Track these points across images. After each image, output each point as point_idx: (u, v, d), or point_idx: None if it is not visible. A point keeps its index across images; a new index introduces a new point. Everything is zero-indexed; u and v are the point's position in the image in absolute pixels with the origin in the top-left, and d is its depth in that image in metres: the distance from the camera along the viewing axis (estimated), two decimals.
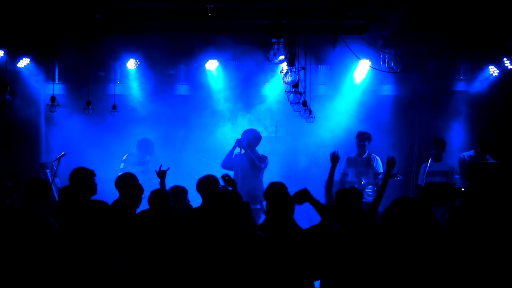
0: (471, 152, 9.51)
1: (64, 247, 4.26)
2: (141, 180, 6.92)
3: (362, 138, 9.55)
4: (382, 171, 9.41)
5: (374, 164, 9.46)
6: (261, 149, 9.75)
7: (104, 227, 4.18)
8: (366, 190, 9.27)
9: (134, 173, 7.20)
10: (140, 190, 6.20)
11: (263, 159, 9.32)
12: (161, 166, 7.09)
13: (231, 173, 9.32)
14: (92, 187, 6.18)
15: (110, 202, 6.29)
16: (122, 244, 5.15)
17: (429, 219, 4.98)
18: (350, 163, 9.58)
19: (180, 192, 6.51)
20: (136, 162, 10.39)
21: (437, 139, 9.65)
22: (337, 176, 9.49)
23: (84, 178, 6.15)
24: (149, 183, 9.20)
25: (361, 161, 9.49)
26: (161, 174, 6.99)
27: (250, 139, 9.33)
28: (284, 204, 5.43)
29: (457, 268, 4.84)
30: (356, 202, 5.39)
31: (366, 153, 9.55)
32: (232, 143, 9.41)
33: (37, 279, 4.25)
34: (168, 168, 7.11)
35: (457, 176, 9.44)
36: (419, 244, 4.83)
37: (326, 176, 9.38)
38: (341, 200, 5.37)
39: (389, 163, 7.14)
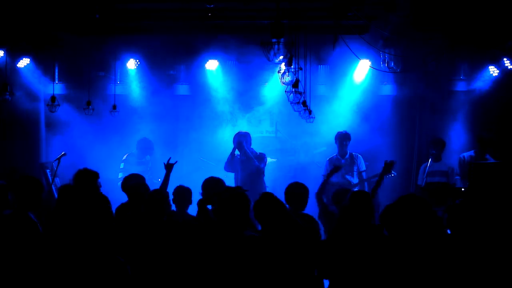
0: (471, 152, 9.51)
1: (64, 247, 4.26)
2: None
3: (344, 138, 9.55)
4: (365, 168, 9.43)
5: (358, 162, 9.51)
6: (261, 149, 9.76)
7: (105, 228, 4.17)
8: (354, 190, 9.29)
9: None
10: (147, 190, 6.23)
11: (262, 158, 9.32)
12: (169, 158, 7.12)
13: (232, 176, 9.35)
14: (95, 189, 6.16)
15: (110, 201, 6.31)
16: (127, 245, 5.15)
17: (432, 217, 5.03)
18: (333, 164, 9.57)
19: (185, 193, 6.52)
20: (136, 162, 10.40)
21: (437, 139, 9.66)
22: (320, 179, 9.54)
23: (87, 179, 6.14)
24: (149, 183, 9.18)
25: (344, 162, 9.51)
26: (169, 167, 7.04)
27: (244, 141, 9.35)
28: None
29: (457, 267, 4.85)
30: (371, 204, 5.42)
31: (348, 153, 9.57)
32: (232, 144, 9.43)
33: (36, 280, 4.24)
34: (176, 162, 7.15)
35: (457, 178, 9.43)
36: (422, 243, 4.85)
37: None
38: (355, 202, 5.40)
39: (387, 165, 7.29)
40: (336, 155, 9.62)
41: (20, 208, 5.04)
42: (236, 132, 9.69)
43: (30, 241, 4.79)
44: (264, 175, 9.39)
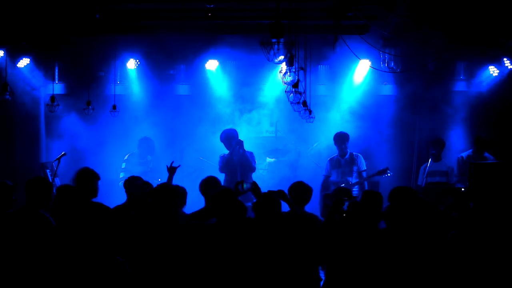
0: (469, 152, 9.49)
1: (63, 247, 4.26)
2: None
3: (340, 139, 9.51)
4: (365, 168, 9.40)
5: (358, 162, 9.47)
6: (261, 149, 9.74)
7: (104, 228, 4.17)
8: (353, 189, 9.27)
9: (136, 173, 7.20)
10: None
11: (253, 158, 9.24)
12: (172, 162, 7.15)
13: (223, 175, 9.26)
14: (93, 189, 6.15)
15: (110, 202, 6.30)
16: (129, 244, 5.14)
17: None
18: (333, 165, 9.55)
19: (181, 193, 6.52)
20: (137, 162, 10.39)
21: (437, 139, 9.64)
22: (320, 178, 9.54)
23: (87, 179, 6.13)
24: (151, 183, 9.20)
25: (344, 162, 9.48)
26: (172, 170, 7.09)
27: (236, 138, 9.29)
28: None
29: (457, 264, 4.87)
30: (381, 206, 5.56)
31: (348, 153, 9.53)
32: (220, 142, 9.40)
33: (39, 279, 4.25)
34: (179, 165, 7.17)
35: (455, 179, 9.38)
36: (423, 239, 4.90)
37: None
38: (368, 201, 5.49)
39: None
40: (336, 155, 9.60)
41: (32, 206, 5.22)
42: (224, 130, 9.53)
43: (45, 236, 4.98)
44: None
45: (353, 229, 5.28)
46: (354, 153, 9.56)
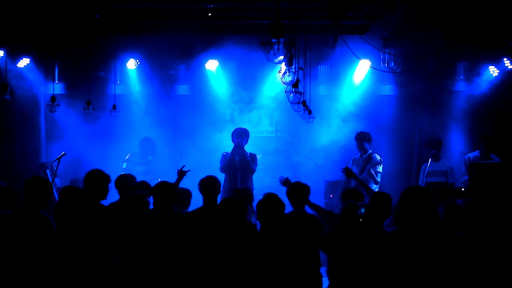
0: (476, 153, 9.43)
1: (65, 248, 4.26)
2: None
3: (358, 139, 9.40)
4: (377, 169, 9.19)
5: (371, 162, 9.30)
6: (261, 149, 9.73)
7: (106, 230, 4.17)
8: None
9: (136, 173, 7.20)
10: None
11: (254, 159, 9.19)
12: (183, 166, 7.15)
13: (222, 176, 9.21)
14: (104, 191, 6.09)
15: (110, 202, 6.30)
16: (130, 244, 5.14)
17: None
18: (353, 164, 9.46)
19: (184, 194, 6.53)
20: (138, 161, 10.38)
21: (436, 140, 9.57)
22: (343, 177, 9.46)
23: (99, 181, 6.07)
24: (151, 183, 9.18)
25: (361, 161, 9.38)
26: (181, 174, 7.12)
27: (244, 138, 9.23)
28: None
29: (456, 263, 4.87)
30: (390, 206, 5.60)
31: (368, 153, 9.35)
32: (231, 140, 9.40)
33: (38, 279, 4.25)
34: (189, 170, 7.18)
35: (466, 177, 9.28)
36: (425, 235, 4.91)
37: (327, 177, 9.36)
38: (376, 202, 5.52)
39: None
40: (359, 154, 9.47)
41: (31, 206, 5.15)
42: (235, 128, 9.51)
43: (45, 237, 4.93)
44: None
45: (363, 231, 5.29)
46: (373, 153, 9.30)
